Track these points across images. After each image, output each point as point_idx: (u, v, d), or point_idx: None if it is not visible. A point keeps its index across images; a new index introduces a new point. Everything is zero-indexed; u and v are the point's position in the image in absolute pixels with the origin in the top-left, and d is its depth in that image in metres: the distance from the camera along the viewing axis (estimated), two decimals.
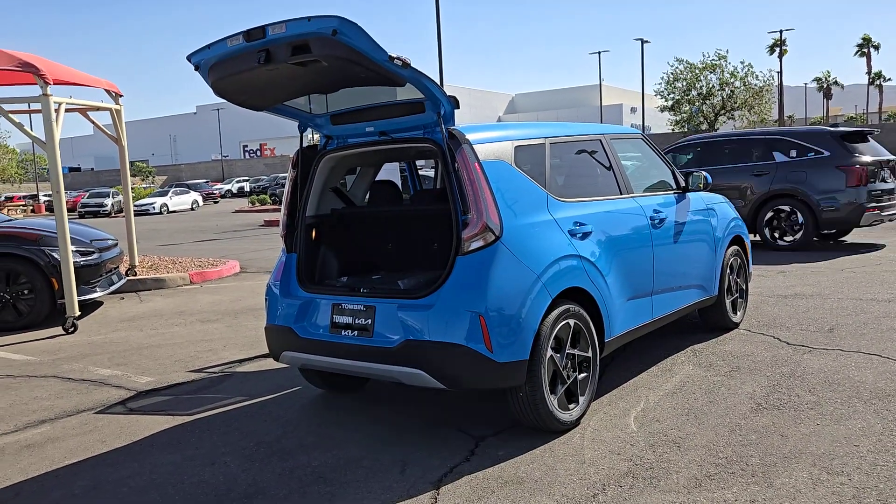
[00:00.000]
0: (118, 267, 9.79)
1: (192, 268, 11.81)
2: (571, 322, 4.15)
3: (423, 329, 3.86)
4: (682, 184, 5.78)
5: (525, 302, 3.86)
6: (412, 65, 3.66)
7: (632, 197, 5.08)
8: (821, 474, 3.42)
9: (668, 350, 5.75)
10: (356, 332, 4.15)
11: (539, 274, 3.95)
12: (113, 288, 9.22)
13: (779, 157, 11.08)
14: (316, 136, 4.93)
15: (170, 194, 43.59)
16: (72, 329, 7.85)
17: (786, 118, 67.47)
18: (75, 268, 8.14)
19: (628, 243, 4.81)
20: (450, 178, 3.98)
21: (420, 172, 6.21)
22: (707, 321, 6.25)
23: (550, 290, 3.98)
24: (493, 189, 3.93)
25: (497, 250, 3.86)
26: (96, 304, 9.52)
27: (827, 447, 3.72)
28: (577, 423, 4.20)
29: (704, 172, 5.78)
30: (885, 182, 10.86)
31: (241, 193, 56.97)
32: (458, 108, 4.05)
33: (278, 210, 33.60)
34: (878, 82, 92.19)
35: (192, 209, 43.22)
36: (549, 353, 4.00)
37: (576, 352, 4.22)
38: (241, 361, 6.31)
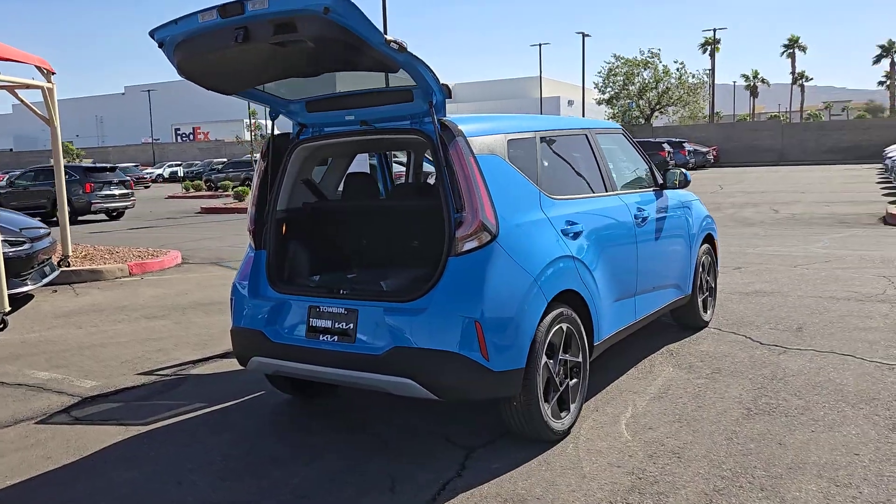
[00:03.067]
0: (50, 258, 9.13)
1: (131, 258, 11.17)
2: (564, 326, 3.95)
3: (412, 335, 3.58)
4: (660, 181, 5.66)
5: (522, 306, 3.63)
6: (408, 49, 3.37)
7: (617, 194, 4.91)
8: (829, 487, 3.31)
9: (644, 350, 5.63)
10: (336, 338, 3.84)
11: (535, 276, 3.73)
12: (45, 280, 8.59)
13: None
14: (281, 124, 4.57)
15: None
16: (1, 326, 7.24)
17: (715, 115, 69.33)
18: (4, 259, 7.51)
19: (616, 243, 4.63)
20: (441, 173, 3.71)
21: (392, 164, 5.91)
22: (679, 320, 6.17)
23: (546, 294, 3.77)
24: (489, 186, 3.68)
25: (493, 251, 3.62)
26: (27, 299, 8.85)
27: (828, 456, 3.63)
28: (568, 431, 4.00)
29: (683, 170, 5.66)
30: None
31: (173, 178, 55.00)
32: (451, 97, 3.78)
33: (214, 196, 32.54)
34: (800, 82, 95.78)
35: None
36: (544, 359, 3.79)
37: (567, 357, 4.02)
38: (195, 363, 5.89)
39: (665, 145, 36.58)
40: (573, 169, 4.67)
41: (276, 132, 4.41)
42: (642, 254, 4.95)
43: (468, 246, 3.60)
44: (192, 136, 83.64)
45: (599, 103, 50.25)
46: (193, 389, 5.21)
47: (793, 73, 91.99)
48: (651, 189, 5.50)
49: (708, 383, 4.82)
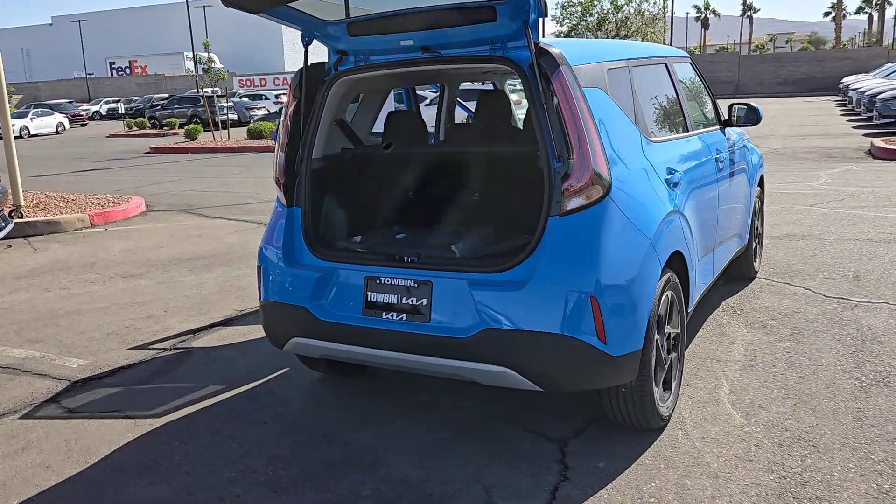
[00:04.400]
0: (2, 209, 8.09)
1: (90, 206, 10.12)
2: (669, 294, 3.34)
3: (509, 315, 2.91)
4: (724, 117, 5.02)
5: (641, 276, 2.99)
6: None
7: (697, 135, 4.26)
8: None
9: (703, 308, 5.09)
10: (404, 316, 3.15)
11: (652, 239, 3.08)
12: (0, 235, 7.58)
13: None
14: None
15: (30, 116, 38.96)
16: None
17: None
18: None
19: (705, 192, 4.01)
20: (538, 113, 2.98)
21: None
22: (730, 271, 5.64)
23: (661, 259, 3.14)
24: (599, 128, 2.98)
25: (606, 209, 2.94)
26: None
27: None
28: (671, 415, 3.44)
29: (756, 105, 5.02)
30: None
31: (111, 115, 52.03)
32: (546, 16, 3.02)
33: (161, 135, 30.79)
34: (748, 13, 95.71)
35: (58, 133, 38.94)
36: (655, 335, 3.18)
37: (668, 329, 3.42)
38: (195, 332, 5.13)
39: None
40: (661, 106, 3.98)
41: (310, 62, 3.58)
42: (721, 202, 4.35)
43: (575, 203, 2.92)
44: (128, 71, 79.30)
45: (558, 35, 49.08)
46: (202, 367, 4.47)
47: (743, 3, 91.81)
48: (717, 127, 4.86)
49: (795, 347, 4.30)
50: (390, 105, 5.04)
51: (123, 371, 4.48)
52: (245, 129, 25.61)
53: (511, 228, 3.77)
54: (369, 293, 3.25)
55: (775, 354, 4.20)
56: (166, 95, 47.66)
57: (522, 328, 2.89)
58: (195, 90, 35.20)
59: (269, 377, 4.26)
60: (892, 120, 17.58)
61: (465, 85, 6.25)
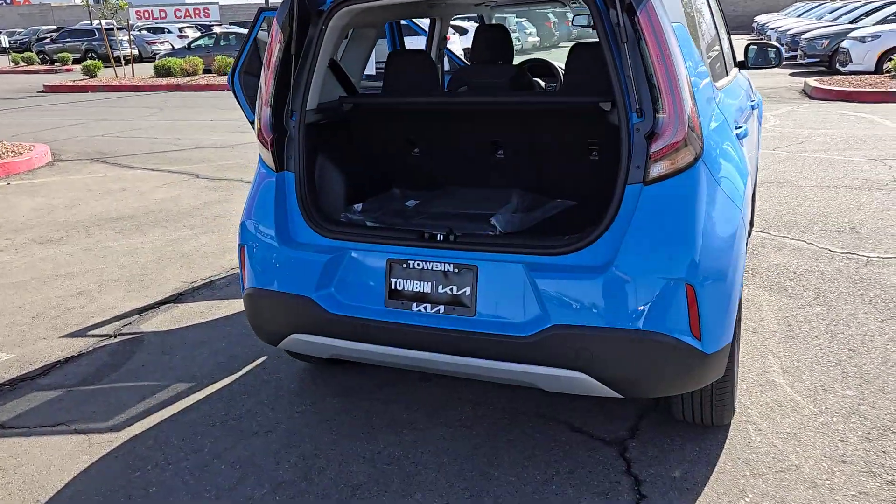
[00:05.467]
0: None
1: None
2: None
3: (584, 308, 2.36)
4: (738, 58, 4.53)
5: (735, 256, 2.48)
6: None
7: (735, 78, 3.76)
8: None
9: None
10: (441, 308, 2.55)
11: (742, 210, 2.58)
12: None
13: None
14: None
15: None
16: None
17: None
18: None
19: (750, 146, 3.53)
20: (616, 53, 2.39)
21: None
22: None
23: (747, 233, 2.65)
24: (690, 74, 2.41)
25: (701, 176, 2.40)
26: None
27: None
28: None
29: (776, 44, 4.54)
30: None
31: None
32: None
33: (52, 71, 28.17)
34: None
35: None
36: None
37: None
38: (141, 313, 4.37)
39: None
40: (711, 44, 3.43)
41: None
42: (754, 154, 3.90)
43: (662, 168, 2.36)
44: (8, 0, 72.50)
45: None
46: (159, 359, 3.75)
47: None
48: (735, 68, 4.37)
49: (827, 313, 3.96)
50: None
51: (61, 367, 3.71)
52: (151, 66, 23.65)
53: (552, 195, 3.20)
54: (393, 280, 2.63)
55: (811, 323, 3.84)
56: (54, 28, 43.81)
57: (600, 325, 2.35)
58: (87, 22, 32.33)
59: (245, 369, 3.59)
60: (817, 59, 17.75)
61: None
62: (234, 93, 4.30)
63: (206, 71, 22.18)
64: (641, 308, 2.33)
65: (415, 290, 2.60)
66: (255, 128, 2.93)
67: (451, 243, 2.58)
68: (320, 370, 3.53)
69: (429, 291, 2.58)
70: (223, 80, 20.14)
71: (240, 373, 3.55)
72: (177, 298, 4.55)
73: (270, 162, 2.90)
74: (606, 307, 2.35)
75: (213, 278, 4.87)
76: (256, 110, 2.92)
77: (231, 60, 21.89)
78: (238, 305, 4.39)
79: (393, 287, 2.63)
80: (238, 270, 4.90)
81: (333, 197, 3.11)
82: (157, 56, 27.07)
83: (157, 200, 7.11)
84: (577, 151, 3.11)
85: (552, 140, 3.14)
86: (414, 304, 2.59)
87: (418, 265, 2.59)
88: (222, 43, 25.63)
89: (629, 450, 2.80)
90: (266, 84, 2.88)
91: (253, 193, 2.96)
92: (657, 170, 2.35)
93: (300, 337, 2.78)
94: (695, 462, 2.70)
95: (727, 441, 2.83)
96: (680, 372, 2.39)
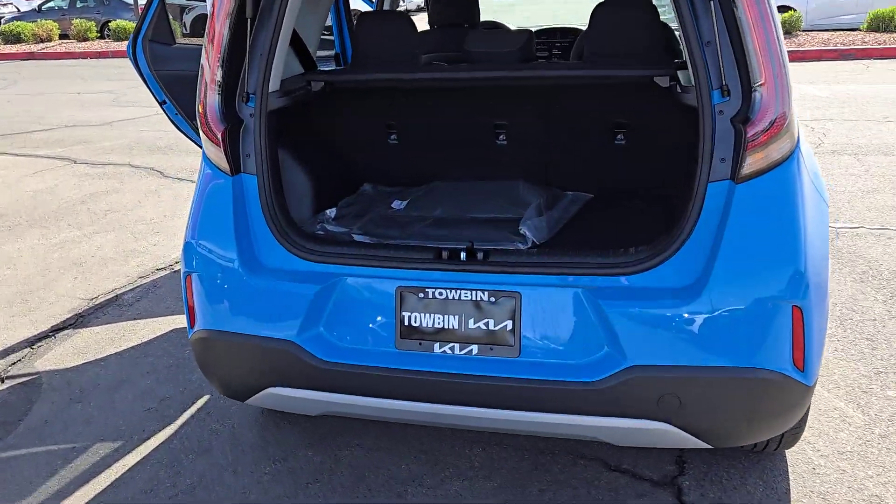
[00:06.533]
0: None
1: None
2: None
3: (672, 342, 1.86)
4: None
5: (828, 266, 2.05)
6: None
7: None
8: None
9: None
10: (474, 349, 1.98)
11: (827, 206, 2.14)
12: None
13: None
14: None
15: None
16: None
17: None
18: None
19: None
20: (704, 18, 1.87)
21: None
22: None
23: None
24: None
25: (798, 168, 1.93)
26: None
27: None
28: None
29: None
30: None
31: None
32: None
33: None
34: None
35: None
36: None
37: None
38: (33, 344, 3.52)
39: None
40: None
41: None
42: None
43: (757, 161, 1.87)
44: None
45: None
46: (68, 409, 2.96)
47: None
48: None
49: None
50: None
51: None
52: None
53: (563, 186, 2.67)
54: (406, 314, 2.02)
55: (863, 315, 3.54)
56: None
57: (691, 364, 1.86)
58: None
59: (185, 416, 2.88)
60: None
61: None
62: (136, 65, 3.48)
63: (63, 36, 20.02)
64: (742, 339, 1.85)
65: (436, 325, 2.01)
66: (198, 118, 2.20)
67: (481, 263, 2.00)
68: (281, 416, 2.88)
69: (456, 327, 2.00)
70: (86, 46, 18.22)
71: (178, 421, 2.84)
72: (76, 322, 3.71)
73: (222, 162, 2.19)
74: (699, 341, 1.86)
75: (118, 292, 4.04)
76: (199, 95, 2.19)
77: (92, 24, 19.85)
78: (159, 326, 3.62)
79: (406, 323, 2.02)
80: (144, 281, 4.14)
81: (302, 202, 2.44)
82: (2, 20, 24.24)
83: (30, 194, 6.03)
84: (599, 135, 2.59)
85: (570, 121, 2.60)
86: (436, 345, 2.01)
87: (440, 294, 2.00)
88: (79, 4, 23.18)
89: (684, 491, 2.36)
90: (211, 60, 2.16)
91: (198, 204, 2.24)
92: (753, 163, 1.86)
93: (280, 391, 2.13)
94: (764, 499, 2.29)
95: (790, 469, 2.44)
96: (782, 412, 1.95)
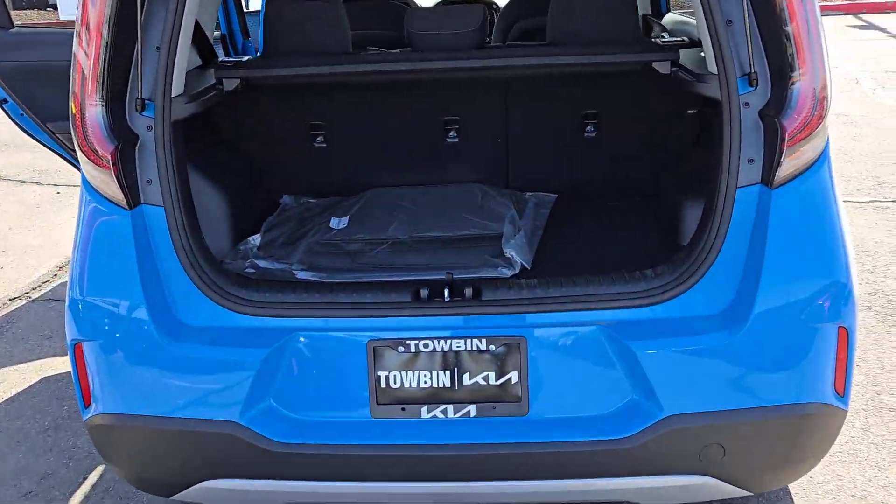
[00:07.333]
0: None
1: None
2: None
3: (713, 384, 1.57)
4: None
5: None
6: None
7: None
8: None
9: None
10: (471, 409, 1.61)
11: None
12: None
13: None
14: None
15: None
16: None
17: None
18: None
19: None
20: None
21: None
22: None
23: None
24: None
25: (830, 170, 1.67)
26: None
27: None
28: None
29: None
30: None
31: None
32: None
33: None
34: None
35: None
36: None
37: None
38: None
39: None
40: None
41: None
42: None
43: (794, 163, 1.58)
44: None
45: None
46: None
47: None
48: None
49: None
50: None
51: None
52: None
53: (521, 187, 2.30)
54: (382, 374, 1.60)
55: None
56: None
57: (736, 407, 1.57)
58: None
59: (78, 497, 2.31)
60: None
61: None
62: None
63: None
64: (790, 371, 1.59)
65: (422, 384, 1.61)
66: (75, 133, 1.64)
67: (472, 303, 1.61)
68: None
69: (447, 385, 1.61)
70: None
71: None
72: None
73: (114, 192, 1.64)
74: (744, 378, 1.58)
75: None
76: (73, 106, 1.62)
77: None
78: (23, 376, 2.96)
79: (383, 384, 1.61)
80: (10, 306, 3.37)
81: (218, 230, 1.94)
82: None
83: None
84: (566, 126, 2.24)
85: (533, 113, 2.23)
86: (424, 409, 1.61)
87: (425, 346, 1.60)
88: None
89: None
90: (90, 60, 1.59)
91: (85, 249, 1.68)
92: (790, 164, 1.57)
93: (221, 485, 1.66)
94: None
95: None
96: (824, 445, 1.71)
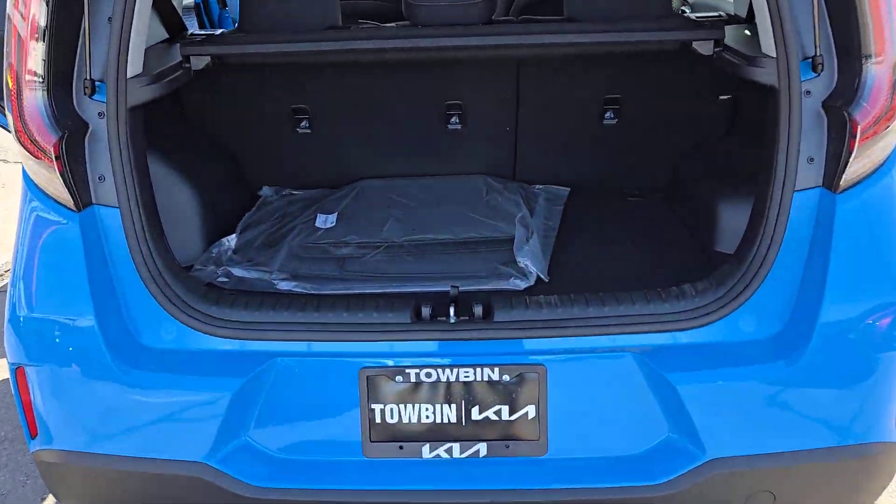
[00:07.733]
0: None
1: None
2: None
3: (763, 422, 1.35)
4: None
5: None
6: None
7: None
8: None
9: None
10: (481, 449, 1.38)
11: None
12: None
13: None
14: None
15: None
16: None
17: None
18: None
19: None
20: None
21: None
22: None
23: None
24: None
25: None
26: None
27: None
28: None
29: None
30: None
31: None
32: None
33: None
34: None
35: None
36: None
37: None
38: None
39: None
40: None
41: None
42: None
43: (864, 164, 1.35)
44: None
45: None
46: None
47: None
48: None
49: None
50: None
51: None
52: None
53: (527, 178, 2.07)
54: (377, 407, 1.37)
55: None
56: None
57: (791, 449, 1.35)
58: None
59: None
60: None
61: None
62: None
63: None
64: (850, 407, 1.37)
65: (424, 420, 1.38)
66: (12, 122, 1.38)
67: (482, 325, 1.37)
68: None
69: (452, 420, 1.38)
70: None
71: None
72: None
73: (59, 190, 1.38)
74: (800, 415, 1.36)
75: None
76: (9, 79, 1.36)
77: None
78: None
79: (378, 419, 1.38)
80: None
81: (186, 231, 1.69)
82: None
83: None
84: (583, 112, 2.00)
85: (547, 96, 1.98)
86: (425, 447, 1.38)
87: (427, 375, 1.36)
88: None
89: None
90: (22, 28, 1.32)
91: (26, 257, 1.43)
92: (858, 167, 1.34)
93: None
94: None
95: None
96: (884, 486, 1.50)
